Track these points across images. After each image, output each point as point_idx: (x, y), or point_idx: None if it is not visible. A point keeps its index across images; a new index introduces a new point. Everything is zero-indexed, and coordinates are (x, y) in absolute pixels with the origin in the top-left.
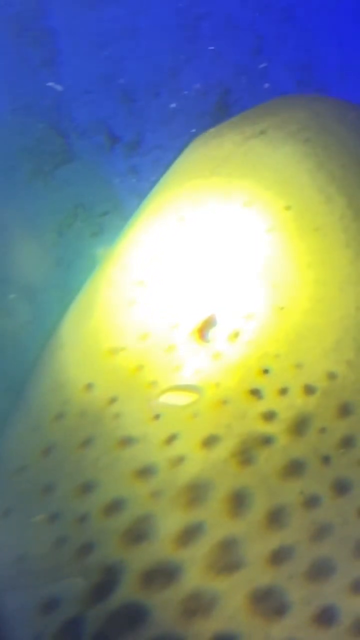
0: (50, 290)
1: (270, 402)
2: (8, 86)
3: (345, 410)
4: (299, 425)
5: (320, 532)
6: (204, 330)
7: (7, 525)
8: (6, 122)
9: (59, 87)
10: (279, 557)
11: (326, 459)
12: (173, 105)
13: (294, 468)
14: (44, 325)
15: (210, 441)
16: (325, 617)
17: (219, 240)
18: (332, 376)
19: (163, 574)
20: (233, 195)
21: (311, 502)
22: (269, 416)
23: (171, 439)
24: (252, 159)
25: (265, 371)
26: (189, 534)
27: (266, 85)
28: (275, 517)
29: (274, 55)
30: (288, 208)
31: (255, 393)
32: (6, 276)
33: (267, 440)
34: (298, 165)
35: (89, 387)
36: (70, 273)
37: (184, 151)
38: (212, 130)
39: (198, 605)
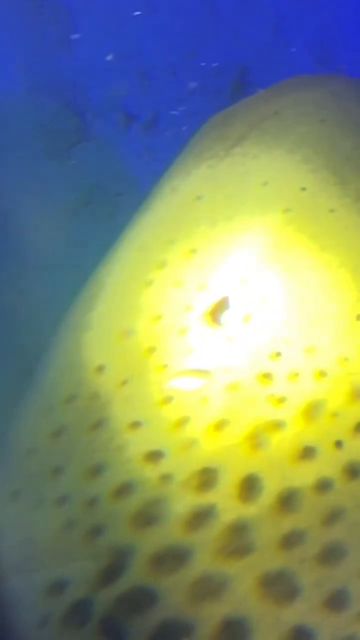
0: (64, 269)
1: (282, 386)
2: (24, 64)
3: (358, 395)
4: (311, 410)
5: (332, 516)
6: (216, 313)
7: (16, 507)
8: (22, 101)
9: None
10: (290, 541)
11: (339, 444)
12: (190, 84)
13: (306, 452)
14: (58, 304)
15: (221, 425)
16: (336, 601)
17: (235, 219)
18: (344, 360)
19: (173, 558)
20: (249, 176)
21: (323, 486)
22: (280, 400)
23: (182, 422)
24: (266, 140)
25: (277, 355)
26: (199, 518)
27: (284, 64)
28: (287, 501)
29: (293, 34)
30: (303, 189)
31: (267, 377)
32: (21, 255)
33: (278, 424)
34: (313, 146)
35: (101, 369)
36: (84, 252)
37: (198, 131)
38: (226, 109)
39: (207, 589)
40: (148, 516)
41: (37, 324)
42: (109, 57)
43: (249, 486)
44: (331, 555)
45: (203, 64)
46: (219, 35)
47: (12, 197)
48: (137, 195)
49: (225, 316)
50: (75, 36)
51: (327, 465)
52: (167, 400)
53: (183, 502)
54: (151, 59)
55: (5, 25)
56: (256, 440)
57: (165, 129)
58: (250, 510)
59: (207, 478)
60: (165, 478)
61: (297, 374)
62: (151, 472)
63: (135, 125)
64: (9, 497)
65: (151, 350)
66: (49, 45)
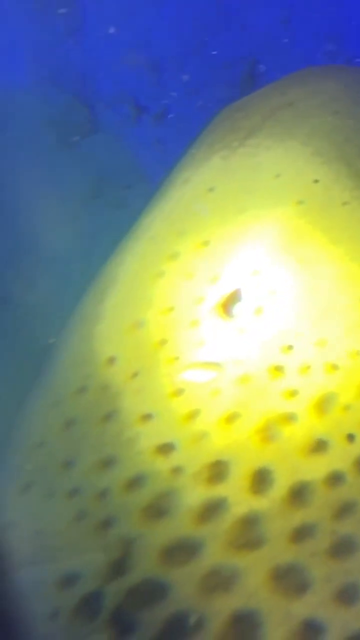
0: (73, 262)
1: (293, 379)
2: (33, 56)
3: None
4: (323, 403)
5: (343, 510)
6: (228, 305)
7: (27, 499)
8: (30, 93)
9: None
10: (301, 534)
11: (350, 437)
12: (200, 76)
13: (317, 445)
14: (67, 297)
15: (232, 417)
16: (347, 595)
17: (247, 211)
18: (355, 354)
19: (183, 550)
20: (261, 168)
21: (334, 479)
22: (292, 393)
23: (193, 414)
24: (280, 131)
25: (289, 348)
26: (210, 510)
27: (294, 56)
28: (298, 495)
29: (303, 25)
30: (316, 181)
31: (279, 370)
32: (30, 248)
33: (290, 417)
34: (326, 138)
35: (111, 361)
36: (94, 245)
37: (211, 122)
38: (239, 101)
39: (218, 582)
40: (159, 509)
41: (46, 316)
42: (111, 30)
43: (260, 479)
44: (342, 549)
45: (213, 56)
46: (228, 27)
47: (22, 190)
48: (147, 187)
49: (237, 308)
50: (62, 11)
51: (339, 458)
52: (178, 392)
53: (194, 494)
54: (161, 50)
55: (14, 16)
56: (267, 433)
57: (176, 121)
58: (261, 504)
59: (218, 471)
60: (176, 471)
61: (308, 367)
62: (162, 465)
63: (146, 116)
64: (19, 489)
65: (162, 342)
66: (58, 36)
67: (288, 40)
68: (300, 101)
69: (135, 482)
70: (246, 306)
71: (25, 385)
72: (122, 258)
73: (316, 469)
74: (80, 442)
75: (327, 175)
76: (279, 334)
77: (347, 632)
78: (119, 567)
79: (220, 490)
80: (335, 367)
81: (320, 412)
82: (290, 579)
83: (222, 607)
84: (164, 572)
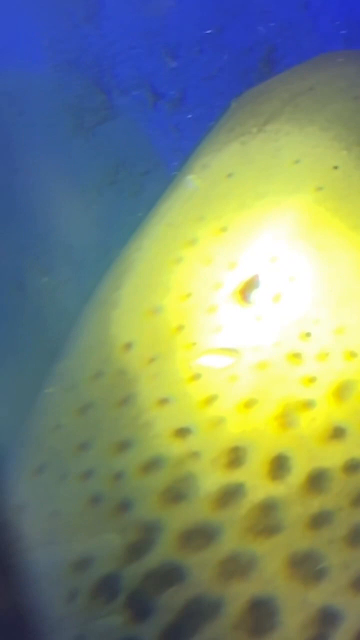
0: (89, 248)
1: (312, 366)
2: (50, 41)
3: None
4: (341, 390)
5: None
6: (246, 291)
7: (41, 481)
8: (48, 78)
9: None
10: (318, 521)
11: None
12: (217, 62)
13: (336, 432)
14: (83, 283)
15: (250, 403)
16: None
17: (266, 197)
18: None
19: (201, 535)
20: (281, 153)
21: (352, 467)
22: (311, 380)
23: (211, 400)
24: (300, 116)
25: (307, 335)
26: (228, 496)
27: (313, 41)
28: (316, 481)
29: (321, 10)
30: (336, 167)
31: (297, 357)
32: (46, 234)
33: (308, 404)
34: (347, 123)
35: (129, 346)
36: (110, 232)
37: (231, 107)
38: (259, 86)
39: (236, 568)
40: (176, 492)
41: (62, 303)
42: (129, 16)
43: (278, 465)
44: (359, 536)
45: (230, 42)
46: (246, 12)
47: (38, 176)
48: (163, 173)
49: (254, 295)
50: None
51: (357, 446)
52: (195, 377)
53: (211, 479)
54: (178, 35)
55: (31, 1)
56: (286, 419)
57: (192, 107)
58: (279, 490)
59: (235, 456)
60: (194, 455)
61: (327, 354)
62: (179, 449)
63: (162, 103)
64: (33, 471)
65: (180, 328)
66: (74, 22)
67: (307, 25)
68: (320, 86)
69: (152, 465)
70: (264, 293)
71: (42, 370)
72: (140, 244)
73: (334, 456)
74: (96, 425)
75: (347, 161)
76: (297, 320)
77: None
78: (136, 550)
79: (237, 476)
80: (353, 354)
81: (339, 399)
82: (307, 566)
83: (240, 592)
84: (182, 556)
